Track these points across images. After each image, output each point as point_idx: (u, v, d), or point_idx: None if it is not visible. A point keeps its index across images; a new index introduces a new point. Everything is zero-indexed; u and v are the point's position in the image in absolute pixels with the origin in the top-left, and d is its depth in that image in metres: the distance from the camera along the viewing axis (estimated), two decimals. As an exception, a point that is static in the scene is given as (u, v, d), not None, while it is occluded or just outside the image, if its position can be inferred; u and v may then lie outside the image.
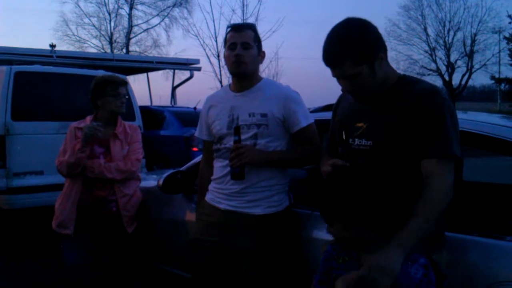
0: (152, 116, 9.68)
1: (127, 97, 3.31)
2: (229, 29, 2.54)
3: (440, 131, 1.77)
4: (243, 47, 2.46)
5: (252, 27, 2.56)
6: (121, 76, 3.58)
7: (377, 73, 1.85)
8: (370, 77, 1.84)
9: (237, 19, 17.63)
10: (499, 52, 35.21)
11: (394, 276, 1.58)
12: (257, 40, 2.53)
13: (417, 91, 1.82)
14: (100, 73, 5.44)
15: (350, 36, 1.82)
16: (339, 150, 1.87)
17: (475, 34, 35.11)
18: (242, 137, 2.41)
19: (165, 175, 3.29)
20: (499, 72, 35.65)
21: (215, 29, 17.44)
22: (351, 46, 1.80)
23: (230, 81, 2.69)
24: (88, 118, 3.31)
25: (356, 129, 1.92)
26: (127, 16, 32.37)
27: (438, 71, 36.33)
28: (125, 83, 3.31)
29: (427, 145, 1.77)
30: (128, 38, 32.07)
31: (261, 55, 2.57)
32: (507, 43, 33.89)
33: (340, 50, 1.82)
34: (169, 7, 32.79)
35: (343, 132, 1.87)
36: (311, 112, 2.90)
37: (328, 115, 2.58)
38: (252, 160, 2.37)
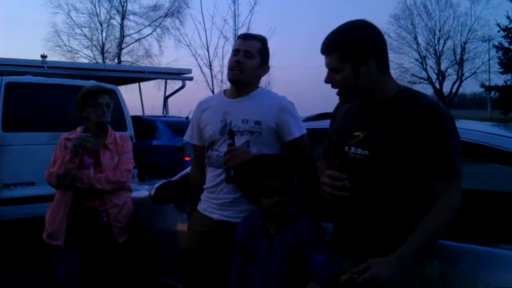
0: (144, 126, 9.64)
1: (111, 106, 3.29)
2: (238, 37, 2.58)
3: (445, 152, 1.77)
4: (244, 55, 2.47)
5: (261, 39, 2.56)
6: (107, 85, 3.56)
7: (362, 78, 1.85)
8: (352, 77, 1.85)
9: (228, 30, 17.73)
10: (489, 60, 35.63)
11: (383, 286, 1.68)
12: (263, 53, 2.54)
13: (420, 106, 1.80)
14: (92, 83, 5.43)
15: (345, 34, 1.88)
16: (335, 161, 1.86)
17: (465, 43, 35.54)
18: None
19: (156, 185, 3.29)
20: (489, 80, 36.04)
21: (207, 39, 17.44)
22: (341, 41, 1.86)
23: (222, 90, 2.70)
24: (78, 129, 3.30)
25: (352, 138, 1.92)
26: (119, 26, 32.36)
27: (429, 79, 36.65)
28: (106, 92, 3.28)
29: (433, 167, 1.78)
30: (120, 48, 32.03)
31: (264, 68, 2.56)
32: (497, 51, 34.27)
33: (332, 41, 1.89)
34: (161, 17, 32.83)
35: (341, 144, 1.87)
36: (303, 121, 2.90)
37: (320, 124, 2.59)
38: (246, 162, 2.35)
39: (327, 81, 1.93)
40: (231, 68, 2.49)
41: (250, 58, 2.48)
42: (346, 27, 1.90)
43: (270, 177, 2.22)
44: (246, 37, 2.54)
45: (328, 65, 1.90)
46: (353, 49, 1.84)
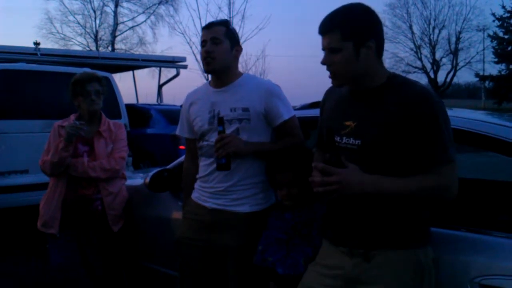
0: (138, 114, 9.62)
1: (101, 93, 3.25)
2: (202, 29, 2.55)
3: (439, 139, 1.78)
4: (212, 43, 2.45)
5: (223, 23, 2.54)
6: (98, 72, 3.53)
7: (361, 60, 1.84)
8: (352, 59, 1.84)
9: (223, 17, 17.67)
10: (483, 49, 35.75)
11: (344, 192, 1.77)
12: (230, 35, 2.51)
13: (409, 95, 1.81)
14: (86, 70, 5.40)
15: (347, 12, 1.87)
16: (326, 155, 1.85)
17: (460, 32, 35.59)
18: None
19: (151, 173, 3.28)
20: (484, 70, 36.16)
21: (201, 27, 17.44)
22: (344, 20, 1.85)
23: (208, 81, 2.69)
24: (72, 117, 3.28)
25: (343, 128, 1.91)
26: (113, 14, 32.16)
27: (423, 69, 36.72)
28: (95, 80, 3.23)
29: (427, 154, 1.79)
30: (113, 36, 31.85)
31: (236, 49, 2.55)
32: (491, 41, 34.31)
33: (333, 20, 1.87)
34: (154, 4, 32.67)
35: (332, 137, 1.86)
36: (298, 109, 2.90)
37: (315, 112, 2.58)
38: (238, 149, 2.36)
39: (324, 62, 1.90)
40: (203, 59, 2.48)
41: (218, 44, 2.46)
42: (348, 7, 1.89)
43: (280, 171, 2.30)
44: (209, 26, 2.52)
45: (327, 45, 1.87)
46: (356, 27, 1.83)
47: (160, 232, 3.39)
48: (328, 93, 2.16)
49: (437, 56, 36.70)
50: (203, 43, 2.49)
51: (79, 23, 32.29)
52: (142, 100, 14.68)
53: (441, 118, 1.80)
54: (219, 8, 18.35)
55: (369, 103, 1.88)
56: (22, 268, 4.84)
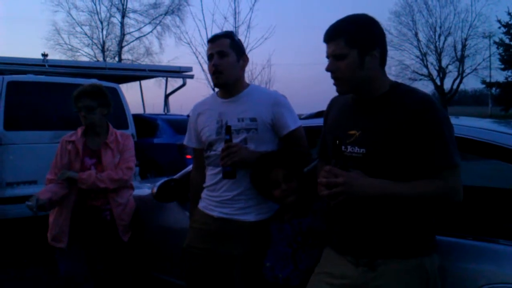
0: (145, 124, 9.66)
1: (94, 107, 3.22)
2: (207, 42, 2.56)
3: (441, 147, 1.79)
4: (219, 56, 2.47)
5: (228, 35, 2.55)
6: (107, 83, 3.55)
7: (365, 68, 1.87)
8: (356, 66, 1.86)
9: (229, 27, 17.73)
10: (490, 56, 35.53)
11: (349, 194, 1.80)
12: (236, 46, 2.53)
13: (412, 102, 1.82)
14: (93, 82, 5.44)
15: (353, 22, 1.91)
16: (332, 162, 1.87)
17: (466, 39, 35.39)
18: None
19: (158, 183, 3.30)
20: (490, 76, 35.95)
21: (207, 37, 17.46)
22: (350, 28, 1.88)
23: (215, 92, 2.71)
24: (79, 130, 3.32)
25: (348, 137, 1.93)
26: (119, 24, 32.36)
27: (429, 76, 36.54)
28: (84, 95, 3.21)
29: (430, 162, 1.80)
30: (120, 46, 32.04)
31: (243, 59, 2.56)
32: (497, 48, 34.20)
33: (339, 28, 1.90)
34: (161, 15, 32.84)
35: (339, 147, 1.88)
36: (303, 118, 2.91)
37: (320, 121, 2.60)
38: (243, 158, 2.38)
39: (328, 69, 1.92)
40: (212, 73, 2.50)
41: (225, 56, 2.47)
42: (353, 16, 1.93)
43: (272, 169, 2.32)
44: (214, 39, 2.53)
45: (332, 52, 1.90)
46: (361, 36, 1.86)
47: (168, 242, 3.41)
48: (333, 102, 2.17)
49: (443, 63, 36.55)
50: (210, 56, 2.51)
51: (86, 34, 32.53)
52: (149, 110, 14.77)
53: (445, 124, 1.82)
54: (225, 18, 18.35)
55: (373, 112, 1.90)
56: (31, 277, 4.86)
